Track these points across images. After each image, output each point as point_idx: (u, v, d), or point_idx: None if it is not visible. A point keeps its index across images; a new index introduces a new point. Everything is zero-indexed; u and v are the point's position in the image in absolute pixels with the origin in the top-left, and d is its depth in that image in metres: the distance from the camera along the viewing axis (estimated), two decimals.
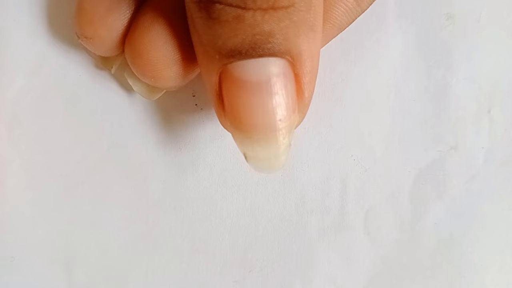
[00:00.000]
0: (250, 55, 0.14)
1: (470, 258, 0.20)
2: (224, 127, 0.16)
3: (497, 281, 0.20)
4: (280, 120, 0.15)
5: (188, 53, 0.16)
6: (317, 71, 0.16)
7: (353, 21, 0.17)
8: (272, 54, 0.14)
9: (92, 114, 0.20)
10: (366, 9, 0.17)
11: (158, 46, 0.16)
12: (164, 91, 0.19)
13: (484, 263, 0.20)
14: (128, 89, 0.20)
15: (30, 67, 0.19)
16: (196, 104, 0.20)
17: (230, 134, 0.16)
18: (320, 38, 0.15)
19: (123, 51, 0.17)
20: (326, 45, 0.18)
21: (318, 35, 0.15)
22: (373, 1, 0.17)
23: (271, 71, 0.14)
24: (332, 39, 0.18)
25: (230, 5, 0.14)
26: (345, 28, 0.17)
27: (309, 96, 0.16)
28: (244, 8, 0.14)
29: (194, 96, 0.20)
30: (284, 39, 0.14)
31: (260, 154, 0.15)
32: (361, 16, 0.19)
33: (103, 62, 0.19)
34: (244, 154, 0.16)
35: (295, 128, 0.16)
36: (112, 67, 0.19)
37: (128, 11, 0.17)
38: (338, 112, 0.20)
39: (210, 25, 0.14)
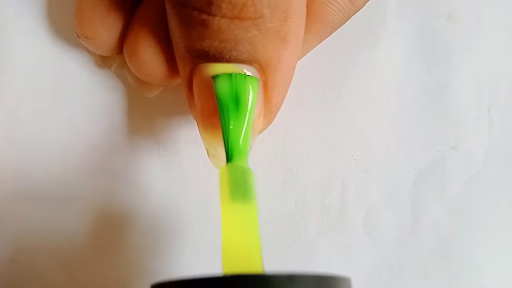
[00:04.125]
0: (217, 60, 0.14)
1: (469, 258, 0.20)
2: (195, 121, 0.16)
3: (496, 281, 0.20)
4: None
5: None
6: (289, 81, 0.16)
7: (347, 20, 0.17)
8: (240, 61, 0.14)
9: (92, 114, 0.20)
10: (361, 7, 0.17)
11: (153, 44, 0.16)
12: (162, 88, 0.19)
13: (484, 263, 0.20)
14: (128, 88, 0.20)
15: (30, 67, 0.19)
16: None
17: None
18: (297, 47, 0.15)
19: (122, 50, 0.17)
20: (326, 45, 0.18)
21: (293, 45, 0.15)
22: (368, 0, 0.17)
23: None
24: (325, 38, 0.18)
25: (196, 9, 0.13)
26: (339, 27, 0.17)
27: (276, 104, 0.16)
28: (209, 14, 0.14)
29: None
30: (251, 48, 0.14)
31: (221, 153, 0.16)
32: (361, 16, 0.19)
33: (103, 61, 0.19)
34: (207, 150, 0.16)
35: (258, 133, 0.16)
36: (112, 66, 0.19)
37: (127, 11, 0.17)
38: (338, 112, 0.20)
39: (181, 25, 0.14)
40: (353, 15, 0.17)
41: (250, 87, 0.15)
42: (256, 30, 0.14)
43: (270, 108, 0.16)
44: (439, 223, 0.20)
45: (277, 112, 0.16)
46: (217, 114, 0.15)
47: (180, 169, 0.20)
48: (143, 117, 0.20)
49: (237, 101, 0.15)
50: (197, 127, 0.19)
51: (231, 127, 0.15)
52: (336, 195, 0.20)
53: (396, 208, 0.20)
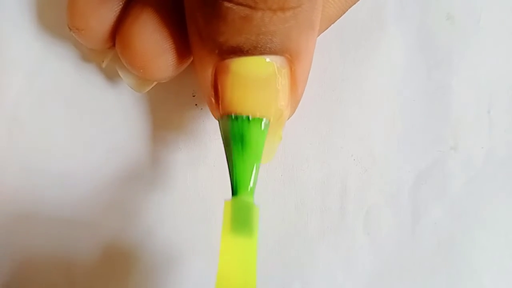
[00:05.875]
0: (252, 53, 0.14)
1: (469, 258, 0.20)
2: (216, 119, 0.16)
3: (496, 281, 0.20)
4: (274, 114, 0.15)
5: (176, 43, 0.16)
6: (310, 68, 0.16)
7: (343, 13, 0.17)
8: (273, 52, 0.14)
9: (92, 114, 0.20)
10: (357, 1, 0.17)
11: (146, 36, 0.16)
12: (154, 83, 0.18)
13: (484, 263, 0.20)
14: (126, 88, 0.19)
15: (30, 67, 0.19)
16: (196, 104, 0.20)
17: None
18: (317, 35, 0.16)
19: (113, 44, 0.17)
20: (326, 45, 0.18)
21: (316, 32, 0.15)
22: None
23: (270, 68, 0.15)
24: (321, 33, 0.18)
25: (240, 4, 0.13)
26: (335, 20, 0.17)
27: (301, 92, 0.16)
28: (253, 8, 0.13)
29: (194, 96, 0.20)
30: (287, 39, 0.14)
31: None
32: (361, 16, 0.19)
33: (94, 56, 0.19)
34: None
35: (285, 121, 0.16)
36: (103, 61, 0.19)
37: (119, 3, 0.17)
38: (338, 112, 0.20)
39: (214, 21, 0.14)
40: (348, 8, 0.17)
41: (257, 128, 0.15)
42: (294, 20, 0.14)
43: (296, 96, 0.16)
44: (439, 223, 0.20)
45: (300, 100, 0.16)
46: (248, 109, 0.15)
47: (180, 169, 0.20)
48: (142, 117, 0.20)
49: (243, 142, 0.15)
50: (205, 129, 0.20)
51: (236, 165, 0.15)
52: (336, 195, 0.20)
53: (396, 208, 0.20)
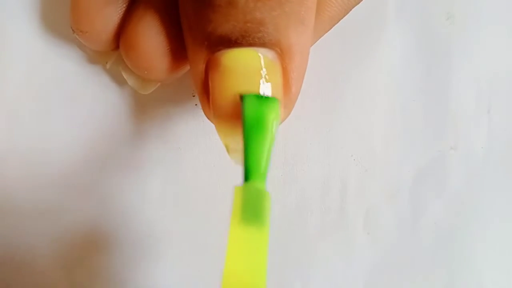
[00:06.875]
0: (240, 44, 0.14)
1: (469, 258, 0.20)
2: (208, 117, 0.16)
3: (496, 280, 0.20)
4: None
5: (181, 44, 0.16)
6: (305, 68, 0.16)
7: (346, 13, 0.17)
8: (262, 44, 0.14)
9: (91, 114, 0.20)
10: (360, 1, 0.17)
11: (150, 37, 0.16)
12: (158, 84, 0.18)
13: (483, 263, 0.20)
14: (127, 88, 0.19)
15: (33, 69, 0.19)
16: (196, 104, 0.20)
17: None
18: (311, 34, 0.15)
19: (117, 46, 0.17)
20: (326, 45, 0.18)
21: (309, 30, 0.15)
22: None
23: (260, 62, 0.14)
24: (324, 33, 0.17)
25: None
26: (338, 21, 0.17)
27: (296, 92, 0.15)
28: None
29: (194, 96, 0.20)
30: (274, 30, 0.14)
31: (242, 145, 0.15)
32: (361, 16, 0.19)
33: (98, 57, 0.19)
34: (226, 147, 0.16)
35: (280, 123, 0.16)
36: (107, 63, 0.19)
37: (123, 4, 0.17)
38: (338, 112, 0.20)
39: (202, 9, 0.14)
40: (351, 8, 0.17)
41: (274, 109, 0.15)
42: (280, 9, 0.14)
43: (290, 96, 0.15)
44: (439, 222, 0.20)
45: (296, 101, 0.16)
46: (237, 105, 0.14)
47: (180, 169, 0.20)
48: (142, 117, 0.20)
49: (263, 124, 0.14)
50: (204, 130, 0.20)
51: (253, 147, 0.14)
52: (336, 195, 0.20)
53: (396, 208, 0.20)
